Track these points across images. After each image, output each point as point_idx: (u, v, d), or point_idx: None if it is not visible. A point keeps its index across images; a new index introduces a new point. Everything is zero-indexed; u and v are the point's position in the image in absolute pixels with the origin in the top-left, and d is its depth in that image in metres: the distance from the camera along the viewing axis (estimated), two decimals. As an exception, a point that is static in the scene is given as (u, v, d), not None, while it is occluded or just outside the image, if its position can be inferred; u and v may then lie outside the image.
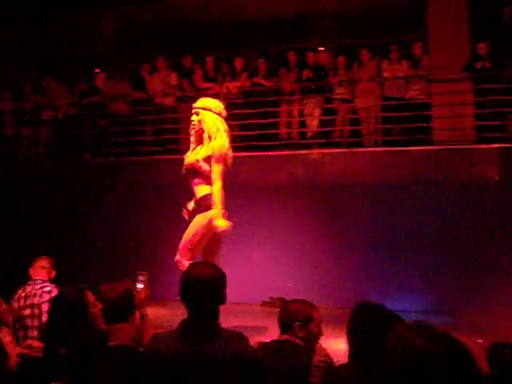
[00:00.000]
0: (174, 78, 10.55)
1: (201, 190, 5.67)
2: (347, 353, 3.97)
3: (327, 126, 9.78)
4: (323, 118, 9.66)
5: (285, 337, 3.45)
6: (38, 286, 5.33)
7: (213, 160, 5.60)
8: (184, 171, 5.79)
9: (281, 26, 11.34)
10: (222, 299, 2.86)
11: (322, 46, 10.60)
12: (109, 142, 10.39)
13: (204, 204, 5.61)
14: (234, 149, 9.60)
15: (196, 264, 3.03)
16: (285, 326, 3.50)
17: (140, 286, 3.82)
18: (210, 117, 5.76)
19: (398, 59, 9.47)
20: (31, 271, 5.51)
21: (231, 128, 9.97)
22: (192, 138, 5.88)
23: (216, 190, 5.58)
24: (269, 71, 10.15)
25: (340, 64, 9.80)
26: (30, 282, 5.41)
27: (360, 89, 9.47)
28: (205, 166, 5.66)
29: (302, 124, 9.82)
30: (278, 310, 8.02)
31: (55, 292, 5.26)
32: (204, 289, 2.69)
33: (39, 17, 11.79)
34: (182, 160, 5.97)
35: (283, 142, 9.74)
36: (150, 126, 10.39)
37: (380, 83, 9.51)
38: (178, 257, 5.56)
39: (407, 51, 9.61)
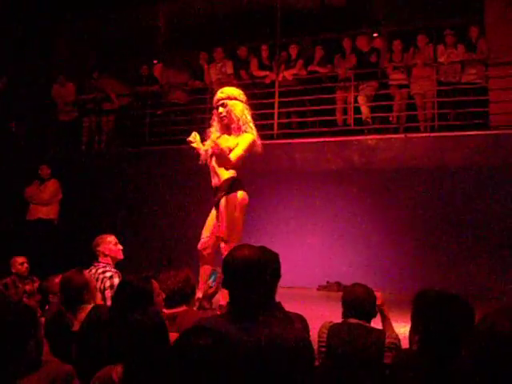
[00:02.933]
0: (229, 67, 10.74)
1: (225, 174, 5.41)
2: (407, 335, 4.13)
3: (383, 112, 9.82)
4: (379, 103, 9.69)
5: (354, 320, 3.52)
6: (101, 270, 5.36)
7: (239, 146, 5.36)
8: (210, 156, 5.54)
9: (334, 12, 11.35)
10: (268, 280, 2.76)
11: (376, 32, 10.61)
12: (168, 131, 10.64)
13: (227, 186, 5.35)
14: (291, 135, 9.86)
15: (241, 247, 2.85)
16: (350, 309, 3.57)
17: (212, 281, 3.95)
18: (238, 106, 5.51)
19: (453, 43, 9.40)
20: (96, 251, 5.52)
21: (287, 115, 10.24)
22: (215, 128, 5.61)
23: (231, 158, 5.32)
24: (324, 58, 10.23)
25: (395, 48, 9.78)
26: (95, 264, 5.45)
27: (415, 74, 9.46)
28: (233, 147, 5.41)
29: (358, 110, 9.87)
30: (335, 293, 8.21)
31: (116, 277, 5.41)
32: (249, 270, 2.55)
33: (94, 9, 12.07)
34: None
35: (339, 128, 9.82)
36: (208, 114, 10.59)
37: (436, 68, 9.48)
38: (222, 244, 5.25)
39: (463, 35, 9.53)
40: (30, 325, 2.50)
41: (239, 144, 5.34)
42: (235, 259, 2.59)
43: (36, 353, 2.54)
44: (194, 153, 5.57)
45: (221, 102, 5.52)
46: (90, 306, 4.02)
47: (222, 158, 5.27)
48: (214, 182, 5.48)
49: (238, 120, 5.43)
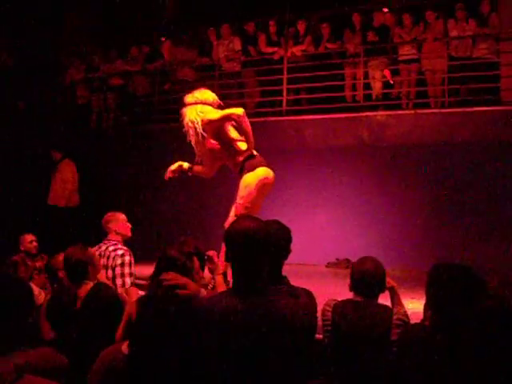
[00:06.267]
0: (237, 44, 10.66)
1: (242, 145, 5.41)
2: (415, 311, 4.11)
3: (392, 88, 9.74)
4: (388, 79, 9.60)
5: (360, 298, 3.51)
6: (112, 248, 5.39)
7: (213, 117, 5.34)
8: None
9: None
10: (275, 254, 2.71)
11: (386, 7, 10.46)
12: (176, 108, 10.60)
13: (248, 164, 5.33)
14: (300, 112, 9.79)
15: (242, 218, 2.80)
16: (358, 283, 3.55)
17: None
18: (189, 115, 5.43)
19: (464, 18, 9.27)
20: (106, 228, 5.56)
21: (296, 91, 10.16)
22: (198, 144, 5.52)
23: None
24: (333, 34, 10.12)
25: (405, 23, 9.65)
26: (105, 241, 5.49)
27: (426, 50, 9.34)
28: (230, 132, 5.48)
29: (368, 86, 9.79)
30: (344, 270, 8.22)
31: (127, 255, 5.42)
32: (250, 242, 2.46)
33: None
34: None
35: (348, 104, 9.75)
36: (216, 90, 10.52)
37: (446, 43, 9.36)
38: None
39: (474, 9, 9.39)
40: (26, 301, 2.50)
41: (215, 118, 5.32)
42: (236, 231, 2.52)
43: (31, 330, 2.54)
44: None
45: (183, 124, 5.47)
46: (90, 283, 4.05)
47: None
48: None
49: (194, 131, 5.38)
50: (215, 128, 5.39)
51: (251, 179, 5.25)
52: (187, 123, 5.44)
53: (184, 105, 5.55)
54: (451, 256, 8.26)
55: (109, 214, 5.63)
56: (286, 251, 3.31)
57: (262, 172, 5.30)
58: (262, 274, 2.45)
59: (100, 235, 5.70)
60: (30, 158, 10.27)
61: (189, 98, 5.56)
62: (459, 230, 8.67)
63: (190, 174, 5.76)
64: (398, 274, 7.09)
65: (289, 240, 3.34)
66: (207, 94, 5.60)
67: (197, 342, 2.27)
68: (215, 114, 5.39)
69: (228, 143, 5.46)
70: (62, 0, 12.39)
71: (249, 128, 5.34)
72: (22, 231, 7.09)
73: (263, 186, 5.32)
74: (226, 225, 5.24)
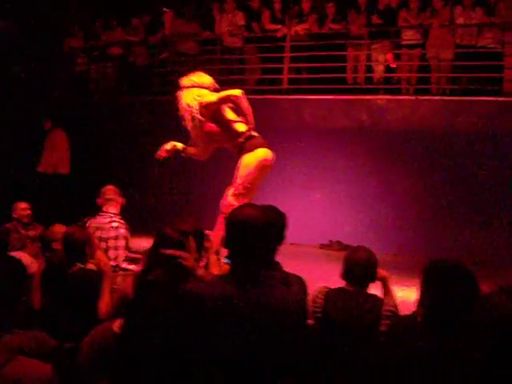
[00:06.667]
0: (240, 19, 10.54)
1: (240, 127, 5.39)
2: (405, 300, 4.12)
3: (394, 72, 9.69)
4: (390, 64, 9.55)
5: (351, 287, 3.52)
6: (107, 220, 5.46)
7: (210, 99, 5.33)
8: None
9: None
10: (272, 241, 2.74)
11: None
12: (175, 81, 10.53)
13: (248, 144, 5.30)
14: (300, 91, 9.74)
15: (244, 206, 2.78)
16: (349, 272, 3.56)
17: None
18: (186, 97, 5.41)
19: (472, 5, 9.18)
20: (100, 202, 5.66)
21: (297, 70, 10.08)
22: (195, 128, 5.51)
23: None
24: (338, 14, 10.01)
25: (412, 5, 9.54)
26: (101, 213, 5.55)
27: (432, 36, 9.26)
28: (228, 113, 5.46)
29: (369, 69, 9.73)
30: (336, 252, 8.25)
31: (122, 228, 5.45)
32: (251, 230, 2.45)
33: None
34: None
35: (349, 86, 9.69)
36: (218, 64, 10.43)
37: (452, 30, 9.28)
38: (231, 201, 5.15)
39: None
40: (19, 284, 2.50)
41: (213, 100, 5.30)
42: (238, 218, 2.51)
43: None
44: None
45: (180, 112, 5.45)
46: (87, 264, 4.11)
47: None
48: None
49: (187, 112, 5.36)
50: (212, 111, 5.35)
51: (251, 159, 5.22)
52: (183, 107, 5.39)
53: (180, 87, 5.48)
54: (445, 244, 8.34)
55: (104, 187, 5.64)
56: (281, 237, 3.31)
57: (262, 153, 5.27)
58: (259, 261, 2.46)
59: (91, 205, 5.73)
60: (23, 125, 10.21)
61: (185, 81, 5.50)
62: (455, 218, 8.67)
63: (183, 154, 5.70)
64: (389, 259, 7.09)
65: (284, 226, 3.34)
66: (204, 78, 5.54)
67: (192, 327, 2.29)
68: (212, 96, 5.33)
69: (226, 125, 5.41)
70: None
71: (248, 109, 5.30)
72: (13, 198, 7.05)
73: (263, 168, 5.30)
74: (222, 205, 5.30)
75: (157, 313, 2.46)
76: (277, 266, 3.30)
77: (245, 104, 5.28)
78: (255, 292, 2.37)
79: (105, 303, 3.59)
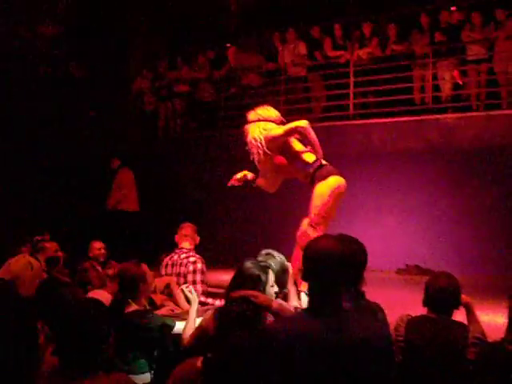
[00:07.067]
0: (302, 48, 10.61)
1: (309, 157, 5.36)
2: (490, 324, 3.97)
3: (462, 89, 9.51)
4: (457, 81, 9.38)
5: (434, 315, 3.44)
6: (184, 256, 5.57)
7: (276, 133, 5.33)
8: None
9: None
10: (351, 272, 2.64)
11: (454, 6, 10.19)
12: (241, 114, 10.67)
13: (319, 174, 5.25)
14: (367, 116, 9.69)
15: (320, 237, 2.70)
16: (432, 300, 3.48)
17: None
18: (253, 131, 5.40)
19: (538, 15, 8.94)
20: (177, 238, 5.78)
21: (363, 94, 10.04)
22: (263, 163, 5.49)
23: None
24: (400, 35, 9.95)
25: (474, 21, 9.38)
26: (177, 251, 5.67)
27: (498, 49, 9.05)
28: (295, 145, 5.44)
29: (436, 88, 9.59)
30: (414, 277, 8.06)
31: (199, 262, 5.53)
32: (330, 263, 2.40)
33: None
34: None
35: (417, 107, 9.57)
36: (283, 96, 10.52)
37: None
38: (308, 231, 5.11)
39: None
40: (102, 327, 2.55)
41: (277, 134, 5.31)
42: (315, 250, 2.47)
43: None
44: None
45: (247, 144, 5.44)
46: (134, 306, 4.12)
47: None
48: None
49: (254, 146, 5.34)
50: (280, 144, 5.36)
51: (324, 189, 5.18)
52: (250, 141, 5.40)
53: (247, 122, 5.53)
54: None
55: (182, 224, 5.78)
56: (362, 266, 3.27)
57: (334, 181, 5.21)
58: (339, 294, 2.42)
59: (161, 241, 5.84)
60: (92, 165, 10.55)
61: (251, 115, 5.52)
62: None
63: (253, 185, 5.75)
64: (470, 281, 6.87)
65: (366, 257, 3.31)
66: (270, 111, 5.55)
67: (274, 365, 2.26)
68: (279, 129, 5.36)
69: (295, 157, 5.41)
70: (128, 11, 12.67)
71: (315, 138, 5.30)
72: (84, 237, 7.27)
73: (337, 196, 5.24)
74: (298, 236, 5.26)
75: (239, 351, 2.46)
76: (362, 296, 3.27)
77: (311, 134, 5.28)
78: (337, 326, 2.32)
79: (189, 331, 3.60)
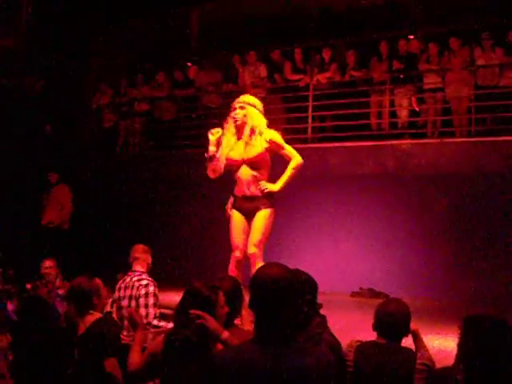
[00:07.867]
0: (263, 71, 10.70)
1: (271, 186, 5.56)
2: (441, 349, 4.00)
3: (418, 116, 9.69)
4: (414, 107, 9.57)
5: (383, 340, 3.46)
6: (136, 278, 5.51)
7: (281, 142, 5.60)
8: (241, 164, 5.61)
9: (369, 14, 11.21)
10: (298, 302, 2.55)
11: (411, 34, 10.42)
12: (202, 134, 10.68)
13: (268, 200, 5.55)
14: (324, 139, 9.78)
15: (268, 265, 2.59)
16: (382, 326, 3.49)
17: None
18: (256, 113, 5.60)
19: (491, 47, 9.19)
20: (130, 260, 5.71)
21: (321, 119, 10.16)
22: (230, 132, 5.65)
23: (297, 162, 5.58)
24: (359, 62, 10.12)
25: (431, 51, 9.61)
26: (130, 273, 5.62)
27: (451, 78, 9.27)
28: (266, 158, 5.63)
29: (393, 114, 9.75)
30: (368, 300, 8.11)
31: (152, 285, 5.47)
32: (279, 290, 2.32)
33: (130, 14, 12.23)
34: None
35: (373, 132, 9.71)
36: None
37: (473, 72, 9.29)
38: (253, 250, 5.43)
39: (501, 37, 9.30)
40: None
41: (282, 144, 5.58)
42: (264, 278, 2.37)
43: None
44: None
45: (240, 104, 5.61)
46: (97, 314, 4.12)
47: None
48: (251, 191, 5.56)
49: (257, 125, 5.53)
50: (271, 150, 5.56)
51: (268, 214, 5.52)
52: (246, 119, 5.53)
53: (246, 102, 5.62)
54: (477, 288, 8.16)
55: (134, 246, 5.72)
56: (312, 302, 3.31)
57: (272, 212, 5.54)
58: (286, 323, 2.33)
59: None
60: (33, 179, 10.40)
61: (251, 99, 5.69)
62: (487, 262, 8.50)
63: (211, 155, 5.64)
64: (422, 304, 6.97)
65: (315, 292, 3.34)
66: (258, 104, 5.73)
67: None
68: (281, 140, 5.60)
69: (265, 168, 5.61)
70: (89, 27, 12.59)
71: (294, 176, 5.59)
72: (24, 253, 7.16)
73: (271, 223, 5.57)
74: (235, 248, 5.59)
75: (186, 378, 2.43)
76: (312, 323, 3.30)
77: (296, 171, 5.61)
78: (284, 357, 2.26)
79: (136, 356, 3.51)
